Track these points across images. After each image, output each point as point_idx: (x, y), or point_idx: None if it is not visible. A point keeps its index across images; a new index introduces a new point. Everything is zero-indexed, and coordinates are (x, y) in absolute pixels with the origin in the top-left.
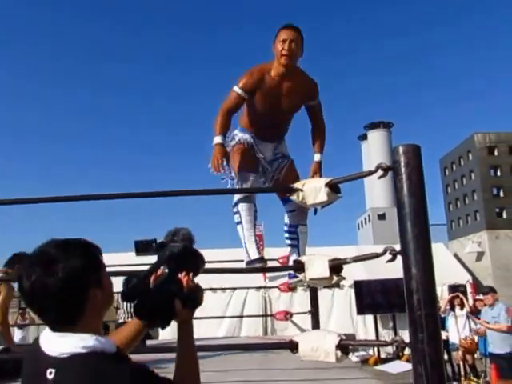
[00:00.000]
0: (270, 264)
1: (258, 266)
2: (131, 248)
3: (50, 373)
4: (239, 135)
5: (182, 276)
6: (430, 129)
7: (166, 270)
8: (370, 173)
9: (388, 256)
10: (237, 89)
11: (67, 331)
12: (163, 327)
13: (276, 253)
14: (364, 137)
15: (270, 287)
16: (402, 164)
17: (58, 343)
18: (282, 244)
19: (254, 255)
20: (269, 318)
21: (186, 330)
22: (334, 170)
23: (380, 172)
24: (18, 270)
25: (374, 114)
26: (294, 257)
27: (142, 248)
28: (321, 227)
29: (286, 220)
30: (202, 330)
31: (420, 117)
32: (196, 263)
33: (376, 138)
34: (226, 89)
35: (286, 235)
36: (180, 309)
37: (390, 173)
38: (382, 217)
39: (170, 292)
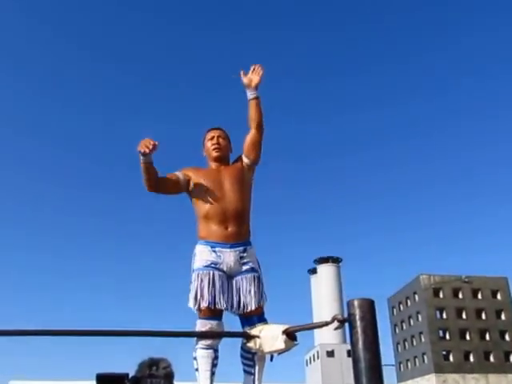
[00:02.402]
0: None
1: None
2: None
3: None
4: (197, 263)
5: None
6: (378, 264)
7: None
8: (326, 324)
9: None
10: (177, 172)
11: None
12: None
13: None
14: (313, 271)
15: None
16: (357, 317)
17: None
18: (230, 379)
19: None
20: None
21: None
22: (283, 301)
23: (336, 323)
24: None
25: (323, 248)
26: None
27: None
28: (268, 362)
29: (242, 343)
30: None
31: (369, 251)
32: None
33: (325, 272)
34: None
35: (242, 360)
36: None
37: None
38: (330, 354)
39: None
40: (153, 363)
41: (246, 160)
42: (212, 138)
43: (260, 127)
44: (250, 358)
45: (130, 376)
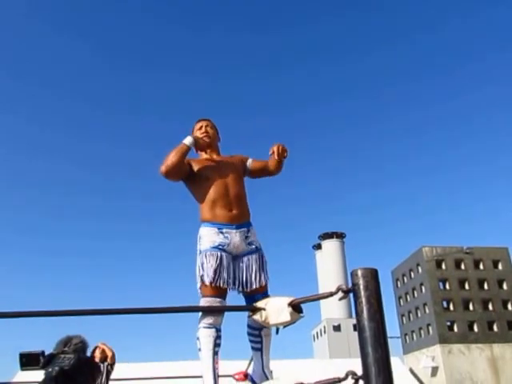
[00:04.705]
0: (223, 381)
1: None
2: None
3: None
4: (204, 244)
5: None
6: (380, 236)
7: None
8: (331, 294)
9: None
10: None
11: None
12: None
13: (231, 366)
14: (318, 246)
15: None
16: (362, 287)
17: None
18: (238, 355)
19: None
20: None
21: None
22: (289, 277)
23: (340, 294)
24: None
25: (328, 223)
26: (256, 367)
27: (27, 362)
28: (274, 337)
29: (249, 321)
30: None
31: (372, 225)
32: (93, 375)
33: (330, 247)
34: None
35: (249, 337)
36: None
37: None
38: (337, 328)
39: None
40: (68, 340)
41: (248, 164)
42: (200, 128)
43: (277, 173)
44: (257, 335)
45: (47, 353)
